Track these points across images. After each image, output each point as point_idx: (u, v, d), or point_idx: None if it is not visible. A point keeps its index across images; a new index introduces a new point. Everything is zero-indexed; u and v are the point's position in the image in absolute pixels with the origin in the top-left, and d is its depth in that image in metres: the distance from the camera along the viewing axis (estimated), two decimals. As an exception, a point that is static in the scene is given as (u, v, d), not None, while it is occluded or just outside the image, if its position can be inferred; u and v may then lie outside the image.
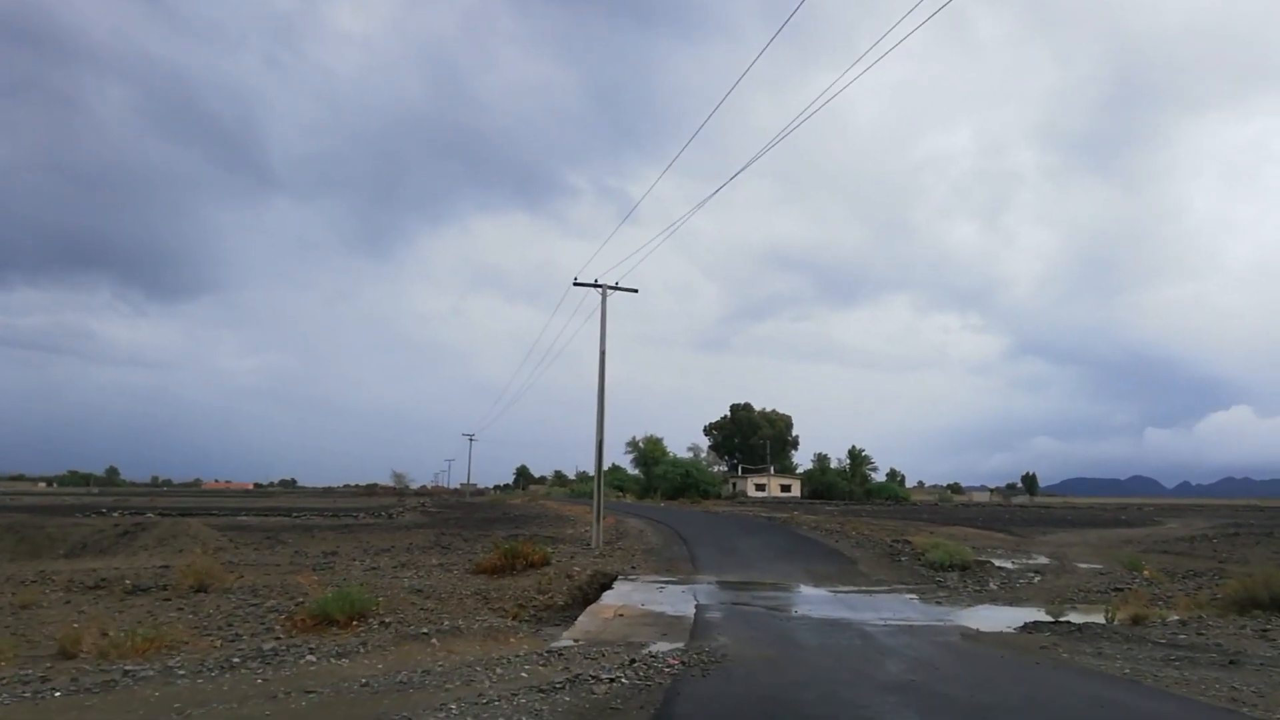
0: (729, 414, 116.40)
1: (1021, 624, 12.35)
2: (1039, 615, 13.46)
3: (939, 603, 14.89)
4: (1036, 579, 18.28)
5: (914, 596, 15.72)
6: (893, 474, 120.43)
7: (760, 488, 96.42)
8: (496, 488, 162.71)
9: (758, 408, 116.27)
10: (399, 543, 24.99)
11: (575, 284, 24.30)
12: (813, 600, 14.76)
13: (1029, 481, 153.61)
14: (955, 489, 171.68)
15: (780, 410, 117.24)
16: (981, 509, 75.54)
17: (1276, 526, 36.33)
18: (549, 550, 18.41)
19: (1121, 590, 15.64)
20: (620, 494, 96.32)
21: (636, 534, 28.09)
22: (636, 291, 24.73)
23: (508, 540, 19.39)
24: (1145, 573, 17.87)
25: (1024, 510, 72.38)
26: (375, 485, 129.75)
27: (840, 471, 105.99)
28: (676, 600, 14.37)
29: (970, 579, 18.21)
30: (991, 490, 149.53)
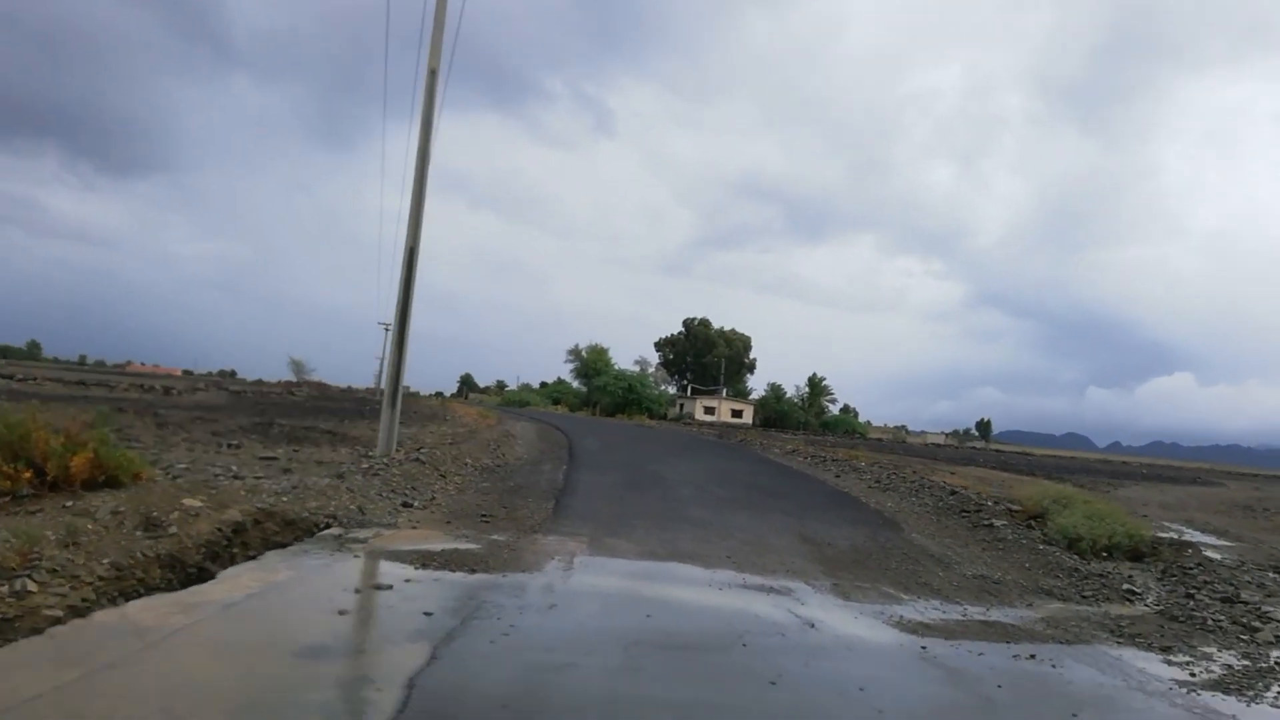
0: (683, 329, 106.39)
1: None
2: None
3: None
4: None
5: (1154, 664, 5.93)
6: (845, 408, 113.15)
7: (710, 410, 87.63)
8: (438, 394, 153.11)
9: (715, 325, 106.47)
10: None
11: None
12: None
13: (983, 427, 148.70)
14: (905, 430, 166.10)
15: (739, 330, 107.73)
16: (956, 450, 67.78)
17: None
18: (135, 455, 7.65)
19: None
20: (555, 405, 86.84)
21: (498, 442, 17.63)
22: None
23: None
24: None
25: (1001, 455, 64.81)
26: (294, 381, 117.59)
27: (796, 401, 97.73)
28: (331, 683, 4.25)
29: (1187, 588, 8.53)
30: (946, 434, 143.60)
